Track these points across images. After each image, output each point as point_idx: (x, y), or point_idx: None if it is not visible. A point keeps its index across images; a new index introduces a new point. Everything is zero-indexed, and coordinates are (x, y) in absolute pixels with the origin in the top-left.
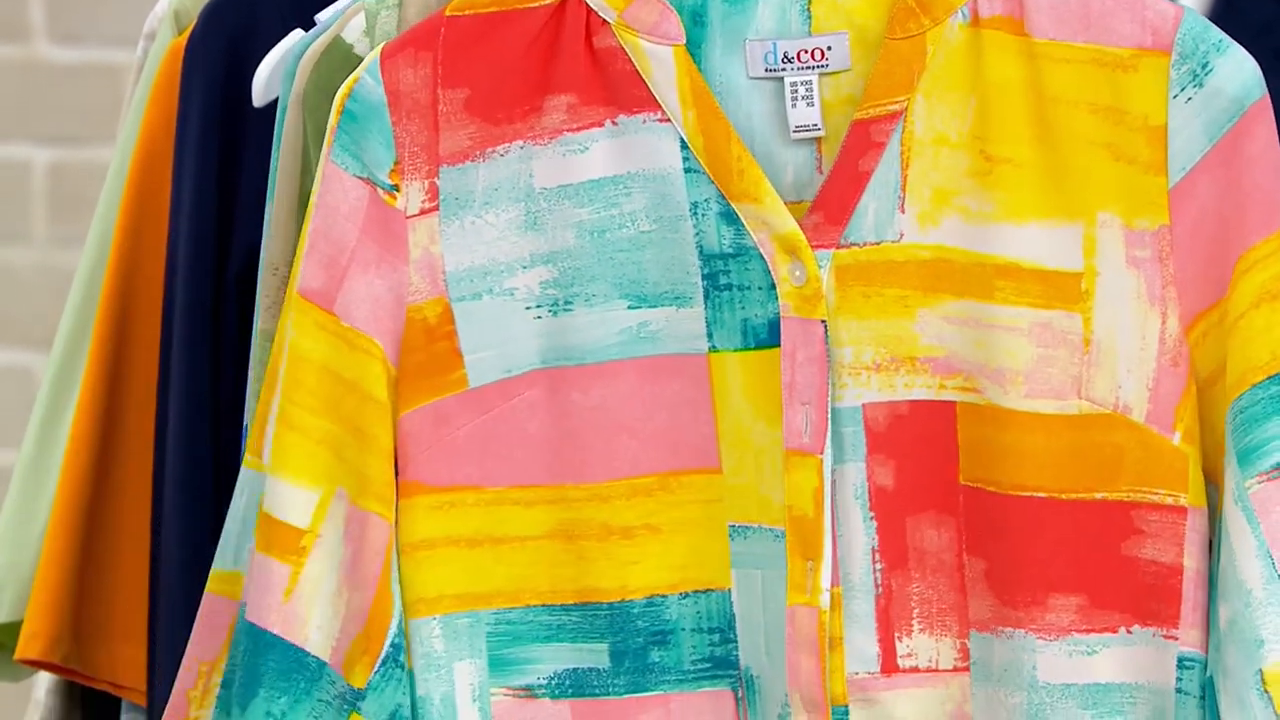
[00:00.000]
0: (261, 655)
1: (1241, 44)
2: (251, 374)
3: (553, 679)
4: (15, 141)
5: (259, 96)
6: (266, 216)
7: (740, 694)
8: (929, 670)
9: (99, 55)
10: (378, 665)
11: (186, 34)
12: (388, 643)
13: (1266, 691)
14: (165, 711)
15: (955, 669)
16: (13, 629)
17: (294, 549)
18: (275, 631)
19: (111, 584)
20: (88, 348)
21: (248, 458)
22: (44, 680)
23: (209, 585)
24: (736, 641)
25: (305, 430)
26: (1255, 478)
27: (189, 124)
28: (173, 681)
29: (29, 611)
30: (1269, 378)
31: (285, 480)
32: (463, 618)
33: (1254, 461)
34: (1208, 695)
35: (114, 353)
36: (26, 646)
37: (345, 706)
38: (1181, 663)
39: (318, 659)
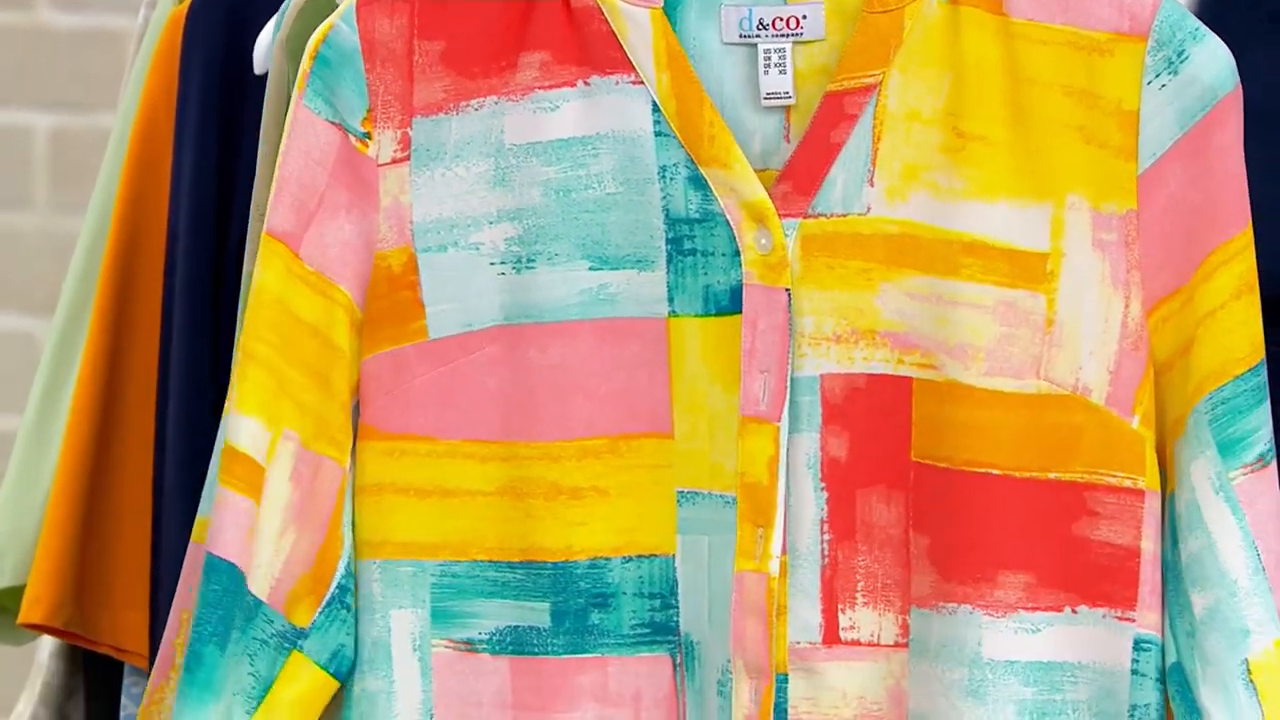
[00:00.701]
0: (237, 594)
1: (1235, 12)
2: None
3: (494, 635)
4: (17, 107)
5: (260, 64)
6: (259, 157)
7: (679, 660)
8: (870, 644)
9: (101, 21)
10: (323, 605)
11: (187, 1)
12: (334, 583)
13: (1252, 681)
14: (155, 662)
15: (895, 644)
16: (16, 594)
17: (255, 484)
18: (242, 567)
19: (113, 549)
20: (90, 314)
21: (226, 405)
22: (47, 644)
23: (193, 534)
24: (678, 607)
25: (268, 368)
26: (1239, 469)
27: (190, 91)
28: None
29: (32, 577)
30: (1250, 369)
31: (248, 416)
32: (406, 566)
33: (1238, 453)
34: (1174, 680)
35: (116, 319)
36: (30, 611)
37: (285, 645)
38: (1138, 644)
39: (255, 597)
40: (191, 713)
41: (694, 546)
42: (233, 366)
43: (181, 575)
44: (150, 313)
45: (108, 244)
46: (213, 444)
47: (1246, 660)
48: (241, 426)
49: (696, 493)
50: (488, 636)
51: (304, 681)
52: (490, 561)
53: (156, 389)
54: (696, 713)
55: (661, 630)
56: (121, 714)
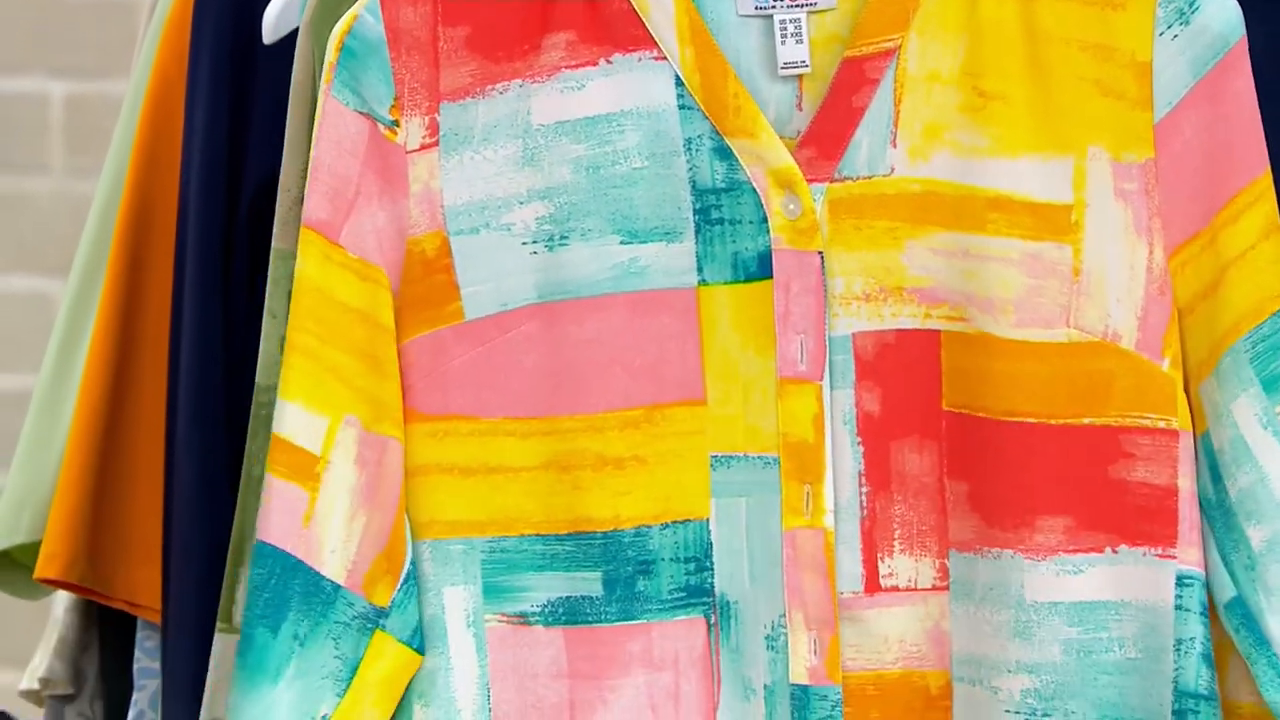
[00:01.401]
0: (288, 579)
1: None
2: (268, 293)
3: (546, 607)
4: (33, 74)
5: (269, 33)
6: (287, 133)
7: (713, 620)
8: (908, 589)
9: None
10: (400, 583)
11: None
12: (407, 560)
13: None
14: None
15: (934, 588)
16: (32, 549)
17: (310, 474)
18: (298, 555)
19: (127, 506)
20: (104, 275)
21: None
22: (62, 599)
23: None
24: (713, 570)
25: (314, 357)
26: None
27: (200, 59)
28: (185, 600)
29: (47, 533)
30: None
31: (296, 405)
32: (456, 544)
33: None
34: (1236, 614)
35: (129, 281)
36: (45, 566)
37: (368, 625)
38: (1181, 580)
39: (333, 583)
40: (246, 696)
41: (730, 509)
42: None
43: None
44: (162, 275)
45: (121, 208)
46: (223, 405)
47: None
48: (287, 414)
49: (732, 456)
50: (540, 609)
51: (390, 659)
52: (538, 535)
53: (169, 350)
54: (732, 670)
55: (696, 593)
56: (135, 667)
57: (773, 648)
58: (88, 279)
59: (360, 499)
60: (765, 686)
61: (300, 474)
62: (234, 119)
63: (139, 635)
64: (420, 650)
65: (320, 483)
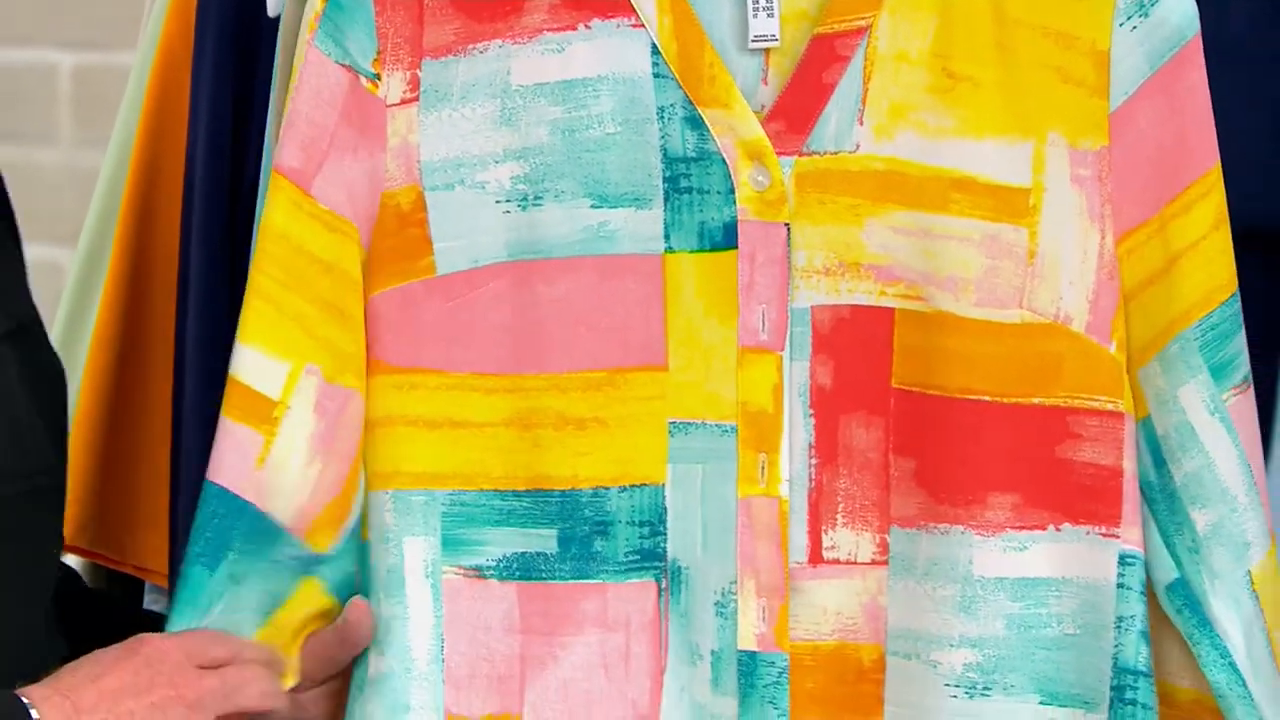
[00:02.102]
0: (233, 520)
1: None
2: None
3: (501, 561)
4: (42, 47)
5: (273, 6)
6: (270, 105)
7: (664, 585)
8: (848, 562)
9: None
10: (342, 533)
11: None
12: (354, 512)
13: (1255, 590)
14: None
15: (873, 562)
16: None
17: (266, 418)
18: (246, 497)
19: (135, 473)
20: (111, 244)
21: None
22: (72, 564)
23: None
24: (666, 534)
25: (277, 304)
26: (1230, 391)
27: (206, 31)
28: None
29: None
30: (1231, 296)
31: (256, 349)
32: (418, 495)
33: (1228, 375)
34: (1178, 595)
35: (136, 250)
36: None
37: (300, 570)
38: (1123, 559)
39: (279, 524)
40: (175, 628)
41: (686, 475)
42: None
43: None
44: (168, 244)
45: (128, 178)
46: (226, 362)
47: (1249, 571)
48: (245, 357)
49: (690, 423)
50: (495, 563)
51: (313, 605)
52: (497, 490)
53: (175, 318)
54: (680, 634)
55: (649, 556)
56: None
57: (722, 614)
58: (95, 248)
59: (318, 446)
60: (712, 652)
61: (255, 417)
62: (239, 90)
63: (146, 599)
64: (341, 602)
65: (278, 427)
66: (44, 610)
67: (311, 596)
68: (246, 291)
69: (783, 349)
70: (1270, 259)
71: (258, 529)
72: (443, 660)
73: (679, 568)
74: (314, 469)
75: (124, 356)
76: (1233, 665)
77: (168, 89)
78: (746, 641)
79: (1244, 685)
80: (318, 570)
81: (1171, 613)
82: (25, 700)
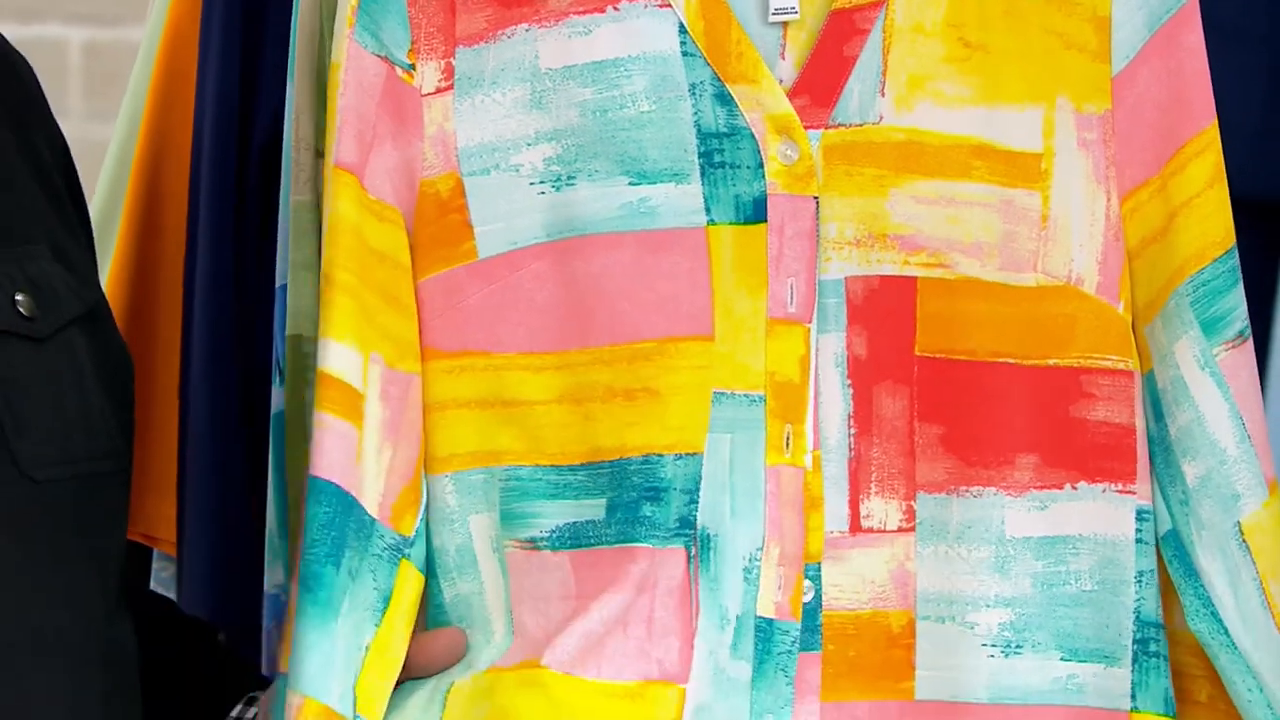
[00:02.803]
0: (346, 516)
1: None
2: (291, 244)
3: (554, 533)
4: (52, 22)
5: None
6: (289, 91)
7: (693, 551)
8: (880, 530)
9: None
10: (420, 514)
11: None
12: (424, 494)
13: (1245, 541)
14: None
15: (900, 529)
16: None
17: (358, 411)
18: (353, 492)
19: (143, 441)
20: (120, 216)
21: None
22: None
23: None
24: (698, 502)
25: (355, 295)
26: (1222, 345)
27: (214, 6)
28: (201, 534)
29: None
30: (1225, 252)
31: (343, 344)
32: (477, 474)
33: (1220, 330)
34: (1169, 546)
35: (146, 219)
36: None
37: (395, 555)
38: (1140, 515)
39: (371, 516)
40: (315, 631)
41: (718, 444)
42: (319, 293)
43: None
44: (176, 214)
45: (136, 150)
46: (236, 343)
47: (1239, 522)
48: (333, 352)
49: (725, 393)
50: (548, 535)
51: (413, 587)
52: (552, 466)
53: (183, 288)
54: (710, 599)
55: (685, 524)
56: None
57: (748, 579)
58: (105, 218)
59: (387, 433)
60: (737, 616)
61: (351, 411)
62: (245, 64)
63: (154, 566)
64: (427, 577)
65: (364, 418)
66: (110, 591)
67: (410, 579)
68: (324, 287)
69: (810, 321)
70: (1258, 227)
71: (361, 523)
72: (513, 632)
73: (708, 535)
74: (385, 456)
75: (132, 328)
76: (1215, 615)
77: (176, 63)
78: (766, 608)
79: (1226, 634)
80: (407, 554)
81: (1165, 562)
82: None
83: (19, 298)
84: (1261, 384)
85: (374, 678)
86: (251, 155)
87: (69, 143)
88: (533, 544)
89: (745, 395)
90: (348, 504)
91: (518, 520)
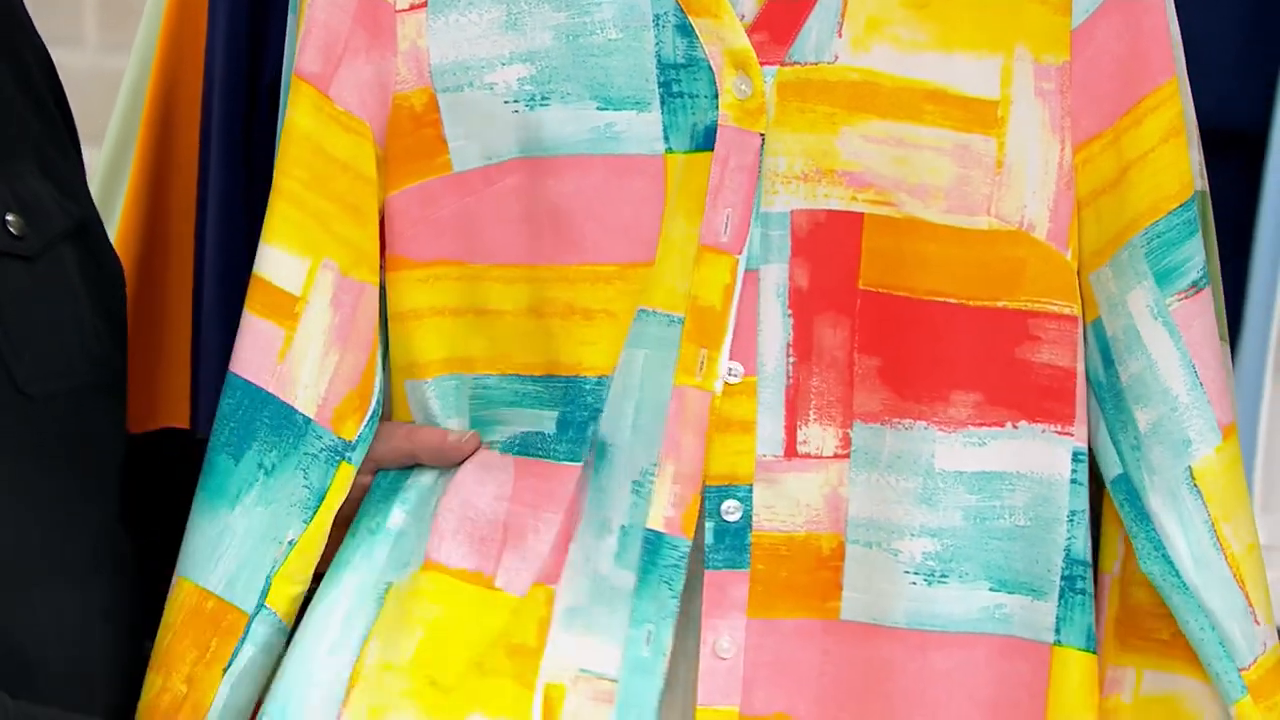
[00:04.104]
0: (256, 411)
1: None
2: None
3: (510, 439)
4: None
5: None
6: (289, 23)
7: (589, 459)
8: (815, 456)
9: None
10: (366, 420)
11: None
12: (374, 398)
13: (1196, 486)
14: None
15: (835, 455)
16: None
17: (288, 314)
18: (269, 390)
19: (157, 367)
20: (135, 144)
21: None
22: None
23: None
24: (603, 411)
25: (300, 203)
26: (1174, 296)
27: None
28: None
29: None
30: (1181, 205)
31: (279, 249)
32: (450, 380)
33: (1173, 281)
34: (1120, 490)
35: (158, 151)
36: None
37: (334, 457)
38: (1076, 456)
39: (305, 416)
40: (200, 516)
41: (630, 359)
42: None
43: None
44: (189, 142)
45: (150, 80)
46: (246, 270)
47: (1190, 467)
48: (268, 256)
49: (648, 310)
50: (505, 440)
51: (347, 489)
52: (516, 375)
53: (195, 213)
54: (593, 509)
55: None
56: None
57: (637, 493)
58: (120, 147)
59: (334, 338)
60: (621, 527)
61: (278, 313)
62: (255, 1)
63: None
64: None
65: (298, 322)
66: (111, 499)
67: (347, 481)
68: (271, 194)
69: (740, 253)
70: (1238, 159)
71: (283, 421)
72: (434, 515)
73: (605, 445)
74: (331, 360)
75: (147, 252)
76: (1166, 558)
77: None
78: (655, 522)
79: (1178, 575)
80: (349, 456)
81: (1116, 506)
82: None
83: (9, 217)
84: (1240, 310)
85: (295, 572)
86: (261, 92)
87: (84, 73)
88: (489, 446)
89: (666, 315)
90: (260, 400)
91: (484, 426)
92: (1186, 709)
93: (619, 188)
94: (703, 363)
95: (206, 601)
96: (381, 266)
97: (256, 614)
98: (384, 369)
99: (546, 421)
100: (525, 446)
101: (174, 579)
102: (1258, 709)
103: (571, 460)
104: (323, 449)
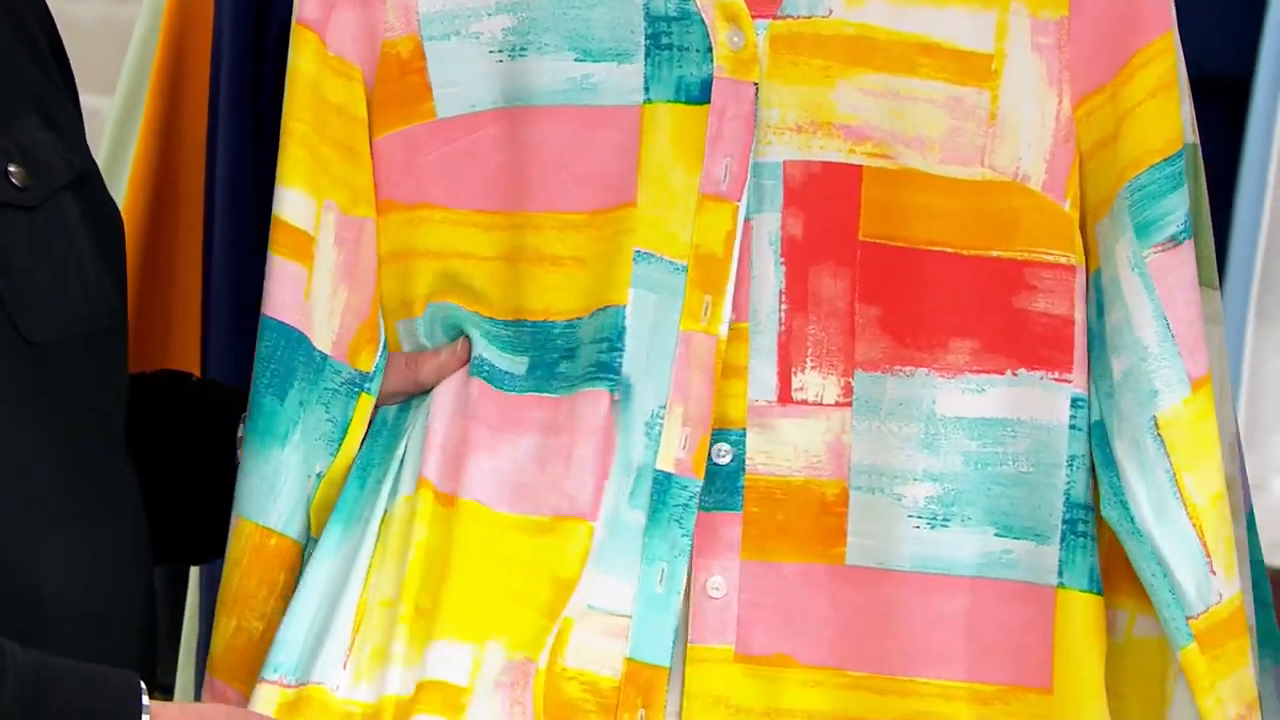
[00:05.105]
0: (293, 351)
1: None
2: None
3: (478, 364)
4: None
5: None
6: None
7: (616, 396)
8: (815, 404)
9: None
10: (379, 351)
11: None
12: (382, 331)
13: (1160, 435)
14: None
15: (837, 404)
16: None
17: (307, 253)
18: (300, 328)
19: (169, 306)
20: (146, 93)
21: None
22: None
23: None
24: (623, 350)
25: (308, 146)
26: (1152, 248)
27: None
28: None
29: None
30: (1165, 159)
31: (296, 190)
32: (437, 315)
33: (1151, 234)
34: (1096, 435)
35: (169, 99)
36: None
37: (354, 390)
38: (1075, 402)
39: (321, 352)
40: (254, 457)
41: (643, 300)
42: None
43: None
44: (199, 90)
45: (161, 28)
46: (253, 206)
47: (1154, 417)
48: (286, 199)
49: (651, 254)
50: (474, 365)
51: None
52: (488, 316)
53: (205, 160)
54: (624, 444)
55: (606, 369)
56: None
57: (649, 434)
58: (132, 96)
59: (340, 275)
60: (638, 467)
61: (299, 253)
62: None
63: None
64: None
65: (314, 261)
66: (116, 440)
67: (368, 410)
68: (282, 137)
69: (740, 200)
70: (1225, 104)
71: (311, 358)
72: (424, 439)
73: (629, 383)
74: (340, 297)
75: (159, 199)
76: (1123, 503)
77: None
78: (665, 463)
79: (1132, 521)
80: (367, 387)
81: (1092, 448)
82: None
83: (11, 169)
84: (1224, 256)
85: (327, 502)
86: (269, 47)
87: (94, 22)
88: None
89: (670, 261)
90: (294, 339)
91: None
92: (1170, 651)
93: (590, 138)
94: (707, 308)
95: (269, 539)
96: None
97: (306, 546)
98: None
99: (518, 364)
100: (494, 378)
101: (233, 520)
102: (1204, 658)
103: (536, 392)
104: (342, 383)
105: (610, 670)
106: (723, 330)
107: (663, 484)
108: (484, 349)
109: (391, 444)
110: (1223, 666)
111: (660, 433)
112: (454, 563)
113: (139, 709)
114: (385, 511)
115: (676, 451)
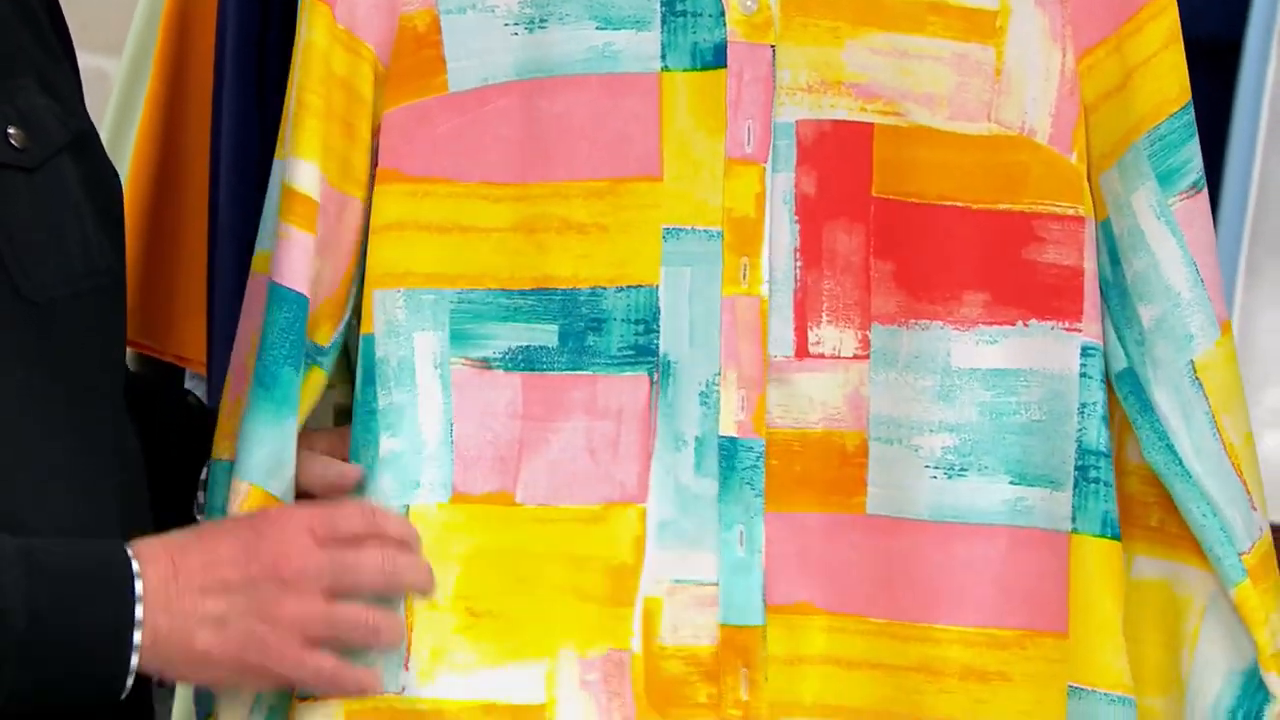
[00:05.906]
0: (302, 319)
1: None
2: None
3: (506, 354)
4: None
5: None
6: None
7: (655, 378)
8: (833, 357)
9: None
10: (339, 327)
11: None
12: (349, 307)
13: (1198, 378)
14: (227, 378)
15: (855, 357)
16: None
17: (311, 219)
18: (307, 294)
19: (175, 268)
20: (153, 55)
21: (278, 149)
22: None
23: (253, 266)
24: (659, 332)
25: (318, 115)
26: (1177, 196)
27: None
28: (227, 356)
29: None
30: (1181, 109)
31: (306, 160)
32: (428, 294)
33: (1175, 181)
34: (1126, 383)
35: (175, 61)
36: None
37: (309, 360)
38: (1085, 351)
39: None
40: (269, 426)
41: (677, 277)
42: (287, 115)
43: (245, 301)
44: (205, 53)
45: (165, 6)
46: (257, 169)
47: (1192, 361)
48: (300, 169)
49: (681, 229)
50: (501, 355)
51: (317, 392)
52: (504, 290)
53: (211, 122)
54: (667, 423)
55: (643, 352)
56: None
57: (705, 404)
58: (139, 58)
59: (318, 248)
60: (696, 438)
61: (309, 222)
62: None
63: (187, 384)
64: (365, 384)
65: (314, 226)
66: (116, 394)
67: (317, 384)
68: (296, 108)
69: (766, 160)
70: (1212, 67)
71: (304, 318)
72: (453, 443)
73: (669, 362)
74: (313, 268)
75: (165, 161)
76: (1170, 447)
77: None
78: (727, 428)
79: (1181, 464)
80: (320, 361)
81: (1120, 398)
82: (131, 553)
83: (10, 131)
84: (1215, 213)
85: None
86: (273, 11)
87: None
88: (485, 363)
89: (704, 231)
90: (303, 307)
91: (470, 340)
92: (1176, 593)
93: (612, 105)
94: (745, 270)
95: (273, 506)
96: (372, 179)
97: None
98: (359, 281)
99: (547, 335)
100: (529, 361)
101: (240, 486)
102: (1256, 590)
103: (575, 369)
104: (306, 352)
105: (709, 639)
106: (764, 290)
107: (729, 449)
108: (501, 330)
109: (369, 440)
110: (1272, 600)
111: (718, 400)
112: (506, 568)
113: (127, 562)
114: (408, 507)
115: (736, 414)
